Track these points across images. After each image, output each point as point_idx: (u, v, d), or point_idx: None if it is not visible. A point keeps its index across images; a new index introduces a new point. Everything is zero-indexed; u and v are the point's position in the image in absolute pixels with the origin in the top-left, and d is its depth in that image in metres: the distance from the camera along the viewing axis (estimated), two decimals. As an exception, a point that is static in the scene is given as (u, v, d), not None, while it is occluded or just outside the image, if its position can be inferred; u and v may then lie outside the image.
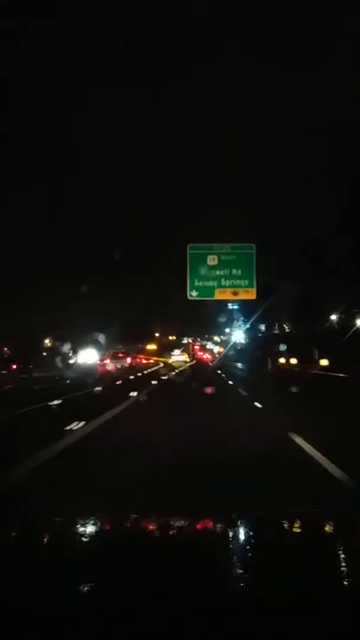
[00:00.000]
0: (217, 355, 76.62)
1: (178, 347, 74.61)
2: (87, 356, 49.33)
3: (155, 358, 63.65)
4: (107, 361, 47.76)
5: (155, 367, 48.60)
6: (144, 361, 62.16)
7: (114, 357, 50.69)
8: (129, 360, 52.82)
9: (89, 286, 46.03)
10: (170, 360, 56.80)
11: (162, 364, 55.74)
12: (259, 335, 56.00)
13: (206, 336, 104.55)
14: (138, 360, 61.57)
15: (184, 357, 61.46)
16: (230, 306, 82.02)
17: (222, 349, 77.55)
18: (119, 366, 46.13)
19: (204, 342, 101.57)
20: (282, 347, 36.92)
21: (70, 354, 54.84)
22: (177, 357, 59.56)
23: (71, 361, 49.68)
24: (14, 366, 40.25)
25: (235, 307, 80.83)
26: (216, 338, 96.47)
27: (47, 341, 62.51)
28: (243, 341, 67.77)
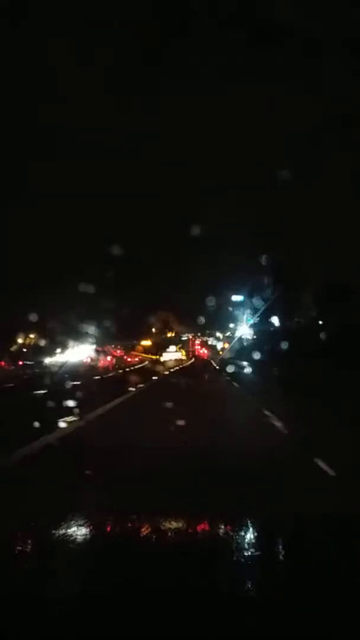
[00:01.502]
0: (220, 353, 68.75)
1: (176, 344, 65.13)
2: (75, 354, 49.02)
3: (143, 355, 55.49)
4: (88, 359, 46.19)
5: (136, 367, 40.64)
6: (129, 359, 55.31)
7: (94, 355, 49.37)
8: (108, 358, 48.65)
9: (84, 282, 44.49)
10: (161, 359, 47.20)
11: (147, 363, 47.88)
12: (271, 329, 47.88)
13: (208, 332, 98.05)
14: (125, 358, 56.20)
15: (179, 355, 51.04)
16: (233, 298, 74.86)
17: (226, 345, 69.64)
18: (98, 365, 43.74)
19: (205, 338, 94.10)
20: (284, 345, 30.42)
21: (59, 351, 55.60)
22: (171, 354, 49.42)
23: (49, 360, 49.37)
24: (21, 362, 43.39)
25: (240, 298, 73.55)
26: (218, 334, 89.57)
27: (32, 336, 61.91)
28: (249, 336, 60.16)
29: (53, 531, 1.97)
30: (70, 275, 57.50)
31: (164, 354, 49.05)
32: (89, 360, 46.04)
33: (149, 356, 50.85)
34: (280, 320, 47.85)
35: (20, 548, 1.87)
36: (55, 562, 1.63)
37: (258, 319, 51.82)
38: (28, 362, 44.52)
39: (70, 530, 1.98)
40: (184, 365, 42.21)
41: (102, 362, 46.88)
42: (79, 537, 1.95)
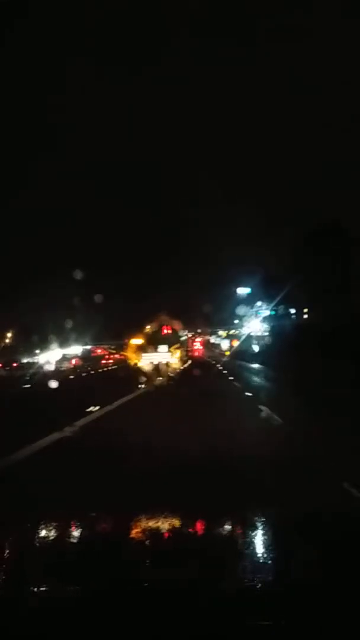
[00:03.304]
0: (227, 353, 59.08)
1: (172, 343, 54.98)
2: (50, 357, 45.37)
3: (126, 355, 46.89)
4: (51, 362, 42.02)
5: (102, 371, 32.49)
6: (103, 360, 49.88)
7: (62, 356, 46.86)
8: (73, 361, 46.29)
9: (75, 278, 41.43)
10: (140, 363, 35.24)
11: (116, 367, 39.30)
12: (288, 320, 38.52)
13: (209, 331, 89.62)
14: (101, 359, 51.75)
15: (169, 358, 37.88)
16: (239, 291, 65.47)
17: (234, 343, 60.02)
18: (62, 367, 39.95)
19: (207, 337, 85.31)
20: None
21: (37, 351, 53.59)
22: (156, 356, 36.37)
23: (30, 360, 47.56)
24: (15, 364, 43.06)
25: (247, 291, 64.10)
26: (221, 332, 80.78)
27: (9, 335, 61.42)
28: (260, 333, 50.84)
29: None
30: (61, 272, 54.81)
31: (144, 355, 35.73)
32: (54, 363, 42.14)
33: (132, 357, 41.18)
34: (303, 310, 38.51)
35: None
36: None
37: (275, 310, 42.94)
38: (23, 363, 44.71)
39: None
40: (170, 378, 26.08)
41: (70, 365, 44.26)
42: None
